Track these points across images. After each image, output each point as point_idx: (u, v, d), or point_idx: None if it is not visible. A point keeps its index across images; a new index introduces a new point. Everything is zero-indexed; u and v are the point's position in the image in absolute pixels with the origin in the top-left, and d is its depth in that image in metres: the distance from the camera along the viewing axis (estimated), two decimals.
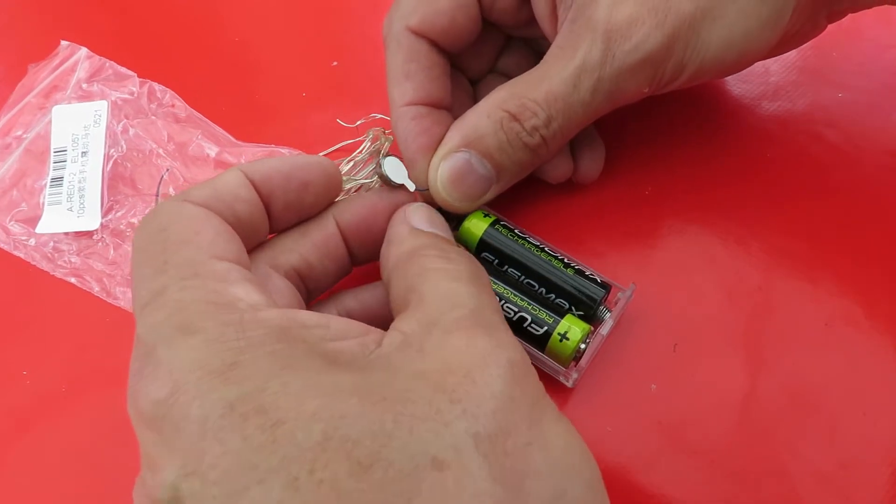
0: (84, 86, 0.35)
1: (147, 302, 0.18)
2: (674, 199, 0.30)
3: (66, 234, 0.32)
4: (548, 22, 0.26)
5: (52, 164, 0.33)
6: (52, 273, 0.31)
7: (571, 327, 0.25)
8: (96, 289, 0.30)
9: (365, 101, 0.34)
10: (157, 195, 0.32)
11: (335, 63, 0.36)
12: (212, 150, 0.33)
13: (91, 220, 0.31)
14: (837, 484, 0.24)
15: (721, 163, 0.31)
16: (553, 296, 0.26)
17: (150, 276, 0.18)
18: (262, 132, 0.33)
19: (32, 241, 0.32)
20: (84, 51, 0.36)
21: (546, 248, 0.27)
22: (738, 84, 0.33)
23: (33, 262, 0.31)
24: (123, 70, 0.35)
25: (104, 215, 0.32)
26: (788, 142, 0.31)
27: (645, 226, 0.30)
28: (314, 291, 0.25)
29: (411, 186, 0.25)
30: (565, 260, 0.27)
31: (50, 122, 0.34)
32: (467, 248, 0.27)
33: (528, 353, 0.24)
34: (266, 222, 0.23)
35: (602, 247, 0.29)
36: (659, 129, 0.32)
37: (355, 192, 0.27)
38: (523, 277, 0.27)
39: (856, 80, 0.33)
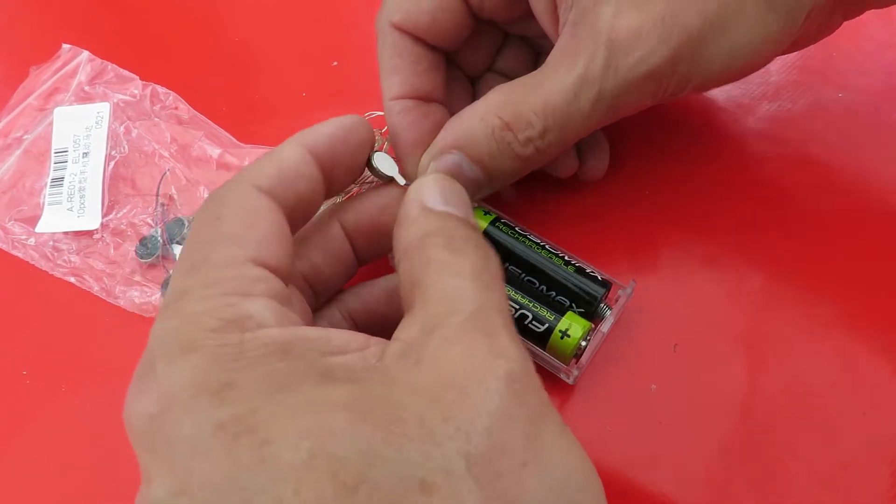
0: (86, 88, 0.35)
1: (169, 303, 0.18)
2: (674, 199, 0.30)
3: (66, 233, 0.32)
4: (548, 21, 0.26)
5: (52, 165, 0.33)
6: (50, 272, 0.31)
7: (572, 324, 0.25)
8: (96, 288, 0.30)
9: (365, 101, 0.34)
10: (157, 195, 0.32)
11: (335, 63, 0.36)
12: (214, 152, 0.33)
13: (91, 219, 0.31)
14: (837, 484, 0.24)
15: (721, 163, 0.31)
16: (554, 293, 0.26)
17: (183, 273, 0.18)
18: (262, 132, 0.33)
19: (32, 241, 0.32)
20: (86, 54, 0.36)
21: (547, 246, 0.27)
22: (739, 84, 0.33)
23: (32, 262, 0.31)
24: (125, 73, 0.36)
25: (104, 215, 0.32)
26: (788, 142, 0.31)
27: (645, 225, 0.30)
28: (321, 295, 0.24)
29: (401, 181, 0.25)
30: (566, 257, 0.26)
31: (51, 123, 0.34)
32: None
33: (529, 350, 0.24)
34: (322, 195, 0.22)
35: (602, 246, 0.29)
36: (659, 129, 0.32)
37: (355, 192, 0.27)
38: (524, 275, 0.27)
39: (856, 80, 0.33)
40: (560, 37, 0.25)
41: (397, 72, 0.27)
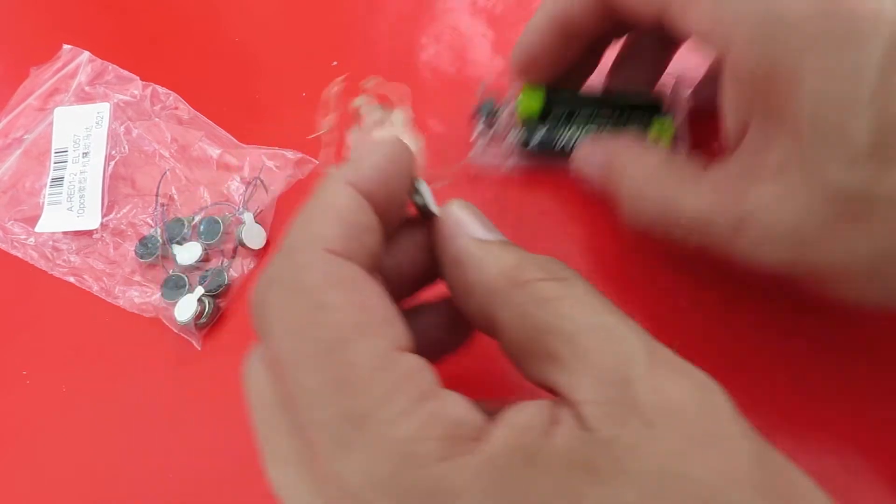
0: (86, 88, 0.35)
1: (342, 439, 0.14)
2: None
3: (66, 233, 0.32)
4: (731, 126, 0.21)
5: (52, 165, 0.33)
6: (50, 272, 0.31)
7: (662, 124, 0.29)
8: (95, 288, 0.30)
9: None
10: (157, 195, 0.32)
11: (335, 63, 0.36)
12: (214, 152, 0.33)
13: (91, 219, 0.31)
14: (837, 484, 0.24)
15: None
16: (624, 116, 0.29)
17: (331, 393, 0.14)
18: (262, 132, 0.33)
19: (32, 241, 0.32)
20: (86, 54, 0.36)
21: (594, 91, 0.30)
22: None
23: (31, 262, 0.31)
24: (126, 73, 0.36)
25: (104, 215, 0.32)
26: None
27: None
28: None
29: (438, 212, 0.20)
30: (612, 90, 0.30)
31: (51, 123, 0.34)
32: (531, 119, 0.29)
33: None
34: (381, 245, 0.18)
35: (602, 245, 0.29)
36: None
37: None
38: (595, 112, 0.29)
39: None
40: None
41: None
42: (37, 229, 0.32)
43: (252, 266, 0.30)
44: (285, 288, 0.15)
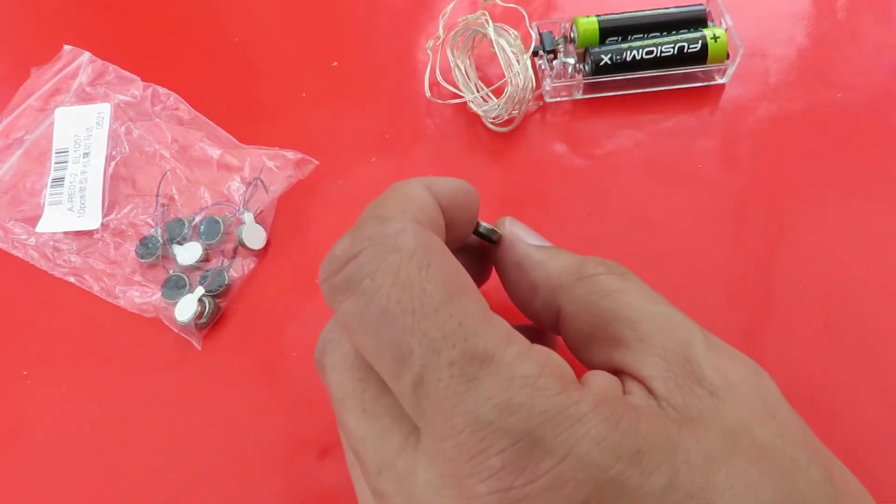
0: (87, 89, 0.35)
1: (470, 376, 0.15)
2: (673, 197, 0.30)
3: (66, 233, 0.32)
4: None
5: (53, 165, 0.33)
6: (50, 272, 0.31)
7: (713, 30, 0.32)
8: (96, 288, 0.30)
9: (365, 102, 0.34)
10: (157, 195, 0.32)
11: (335, 63, 0.36)
12: (215, 153, 0.33)
13: (92, 219, 0.32)
14: None
15: (721, 162, 0.31)
16: (674, 31, 0.33)
17: (454, 336, 0.15)
18: (262, 133, 0.33)
19: (32, 241, 0.32)
20: (87, 55, 0.36)
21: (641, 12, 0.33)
22: (738, 84, 0.33)
23: (32, 262, 0.31)
24: (126, 73, 0.36)
25: (105, 215, 0.32)
26: (788, 142, 0.31)
27: (644, 225, 0.30)
28: None
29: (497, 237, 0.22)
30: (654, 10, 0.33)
31: (52, 123, 0.34)
32: (590, 42, 0.33)
33: (688, 75, 0.32)
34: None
35: (603, 245, 0.29)
36: (659, 129, 0.32)
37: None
38: (646, 34, 0.33)
39: (856, 80, 0.33)
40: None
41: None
42: (37, 229, 0.32)
43: (252, 266, 0.30)
44: (386, 248, 0.16)
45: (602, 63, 0.32)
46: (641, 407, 0.16)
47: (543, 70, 0.33)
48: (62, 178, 0.33)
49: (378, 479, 0.16)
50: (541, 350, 0.16)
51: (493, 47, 0.32)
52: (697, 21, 0.33)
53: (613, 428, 0.14)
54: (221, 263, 0.30)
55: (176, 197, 0.32)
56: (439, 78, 0.33)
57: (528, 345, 0.15)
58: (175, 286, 0.30)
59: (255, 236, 0.30)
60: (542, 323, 0.21)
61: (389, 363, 0.15)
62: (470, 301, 0.16)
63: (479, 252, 0.22)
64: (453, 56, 0.33)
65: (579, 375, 0.17)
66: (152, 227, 0.32)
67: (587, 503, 0.13)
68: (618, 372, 0.18)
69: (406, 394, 0.15)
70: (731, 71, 0.33)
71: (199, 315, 0.29)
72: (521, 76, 0.31)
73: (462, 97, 0.32)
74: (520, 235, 0.21)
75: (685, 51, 0.32)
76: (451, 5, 0.33)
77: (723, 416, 0.16)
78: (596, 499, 0.13)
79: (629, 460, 0.14)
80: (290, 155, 0.32)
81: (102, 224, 0.32)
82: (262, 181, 0.32)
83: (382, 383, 0.17)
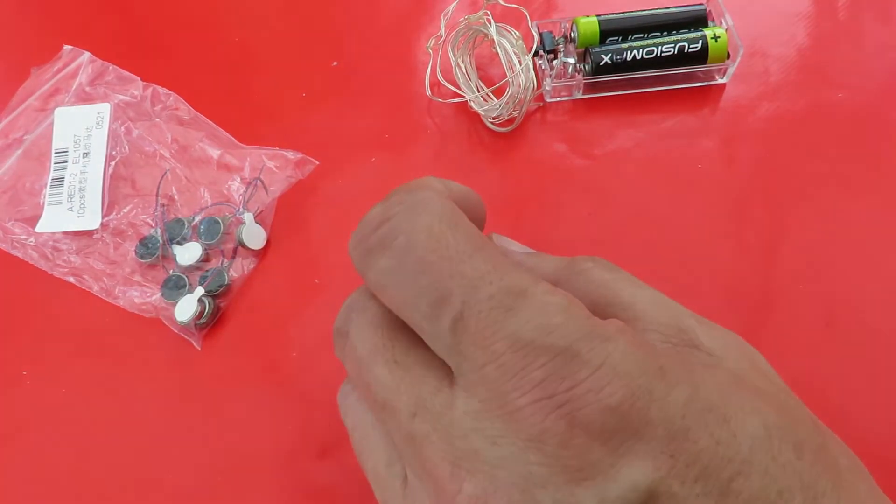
0: (87, 89, 0.35)
1: (509, 306, 0.16)
2: (673, 198, 0.30)
3: (66, 233, 0.32)
4: None
5: (52, 165, 0.33)
6: (50, 272, 0.31)
7: (714, 29, 0.32)
8: (96, 288, 0.30)
9: (365, 102, 0.34)
10: (157, 195, 0.32)
11: (335, 63, 0.36)
12: (214, 153, 0.33)
13: (91, 220, 0.31)
14: None
15: (721, 162, 0.31)
16: (674, 31, 0.33)
17: (492, 273, 0.16)
18: (262, 133, 0.33)
19: (32, 241, 0.32)
20: (87, 55, 0.36)
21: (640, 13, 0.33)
22: (738, 84, 0.33)
23: (31, 262, 0.31)
24: (126, 73, 0.36)
25: (105, 215, 0.32)
26: (788, 142, 0.31)
27: (645, 224, 0.30)
28: None
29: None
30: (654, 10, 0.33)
31: (51, 123, 0.34)
32: (590, 42, 0.33)
33: (689, 75, 0.33)
34: None
35: (603, 245, 0.29)
36: (659, 129, 0.32)
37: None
38: (647, 34, 0.33)
39: (856, 80, 0.33)
40: None
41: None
42: (37, 229, 0.32)
43: (252, 266, 0.30)
44: (417, 211, 0.17)
45: (602, 63, 0.32)
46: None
47: (544, 70, 0.33)
48: (62, 178, 0.33)
49: (413, 422, 0.17)
50: (563, 290, 0.17)
51: (495, 48, 0.32)
52: (698, 21, 0.33)
53: (637, 348, 0.16)
54: (221, 263, 0.30)
55: (176, 197, 0.32)
56: (440, 77, 0.33)
57: (552, 285, 0.17)
58: (175, 286, 0.30)
59: (254, 236, 0.30)
60: None
61: (427, 308, 0.17)
62: (496, 252, 0.17)
63: None
64: (454, 55, 0.33)
65: None
66: (152, 227, 0.32)
67: (621, 406, 0.15)
68: None
69: (444, 334, 0.16)
70: (731, 71, 0.33)
71: (199, 315, 0.29)
72: (522, 77, 0.31)
73: (463, 96, 0.32)
74: (508, 246, 0.22)
75: (685, 51, 0.32)
76: (454, 4, 0.33)
77: (723, 370, 0.17)
78: (629, 402, 0.15)
79: (654, 374, 0.15)
80: (290, 155, 0.32)
81: (102, 224, 0.32)
82: (261, 181, 0.32)
83: (411, 340, 0.18)
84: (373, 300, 0.19)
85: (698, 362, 0.17)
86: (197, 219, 0.31)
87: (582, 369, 0.15)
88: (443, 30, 0.33)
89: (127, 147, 0.34)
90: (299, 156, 0.32)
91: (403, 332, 0.18)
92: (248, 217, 0.31)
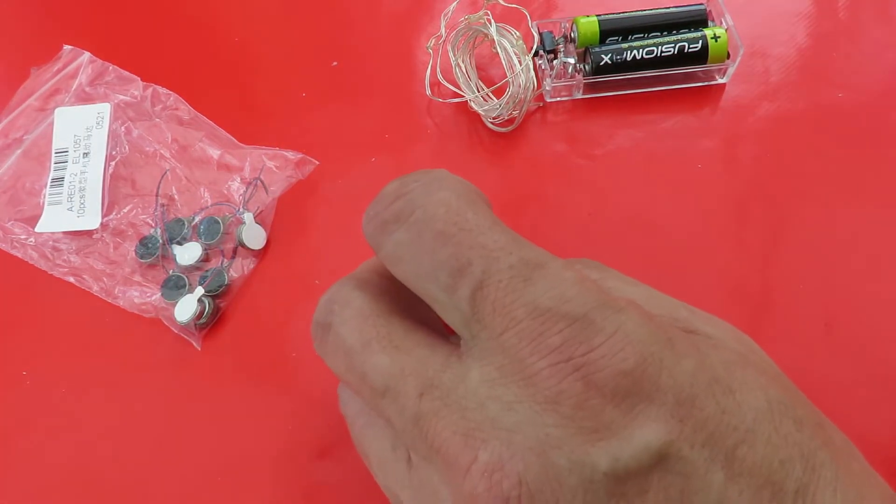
0: (87, 89, 0.35)
1: (527, 276, 0.17)
2: (673, 198, 0.30)
3: (66, 233, 0.32)
4: None
5: (52, 165, 0.33)
6: (50, 272, 0.31)
7: (714, 29, 0.32)
8: (95, 288, 0.30)
9: (365, 102, 0.34)
10: (157, 195, 0.32)
11: (335, 63, 0.36)
12: (215, 153, 0.33)
13: (91, 220, 0.31)
14: None
15: (721, 162, 0.31)
16: (674, 31, 0.33)
17: (511, 245, 0.17)
18: (262, 133, 0.33)
19: (32, 241, 0.32)
20: (87, 55, 0.36)
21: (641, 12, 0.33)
22: (739, 84, 0.33)
23: (31, 262, 0.31)
24: (126, 73, 0.36)
25: (105, 215, 0.32)
26: (788, 142, 0.31)
27: (645, 225, 0.30)
28: None
29: None
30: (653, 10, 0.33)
31: (51, 123, 0.34)
32: (590, 42, 0.33)
33: (689, 75, 0.32)
34: None
35: (603, 245, 0.29)
36: (659, 129, 0.32)
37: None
38: (647, 34, 0.33)
39: (856, 80, 0.33)
40: None
41: None
42: (37, 229, 0.32)
43: (252, 266, 0.30)
44: (434, 187, 0.18)
45: (602, 63, 0.32)
46: None
47: (544, 70, 0.33)
48: (62, 178, 0.33)
49: (420, 402, 0.17)
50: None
51: (496, 48, 0.32)
52: (698, 21, 0.33)
53: (648, 319, 0.16)
54: (221, 263, 0.30)
55: (176, 197, 0.32)
56: (440, 77, 0.33)
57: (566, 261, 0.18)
58: (175, 286, 0.30)
59: (254, 236, 0.30)
60: None
61: (447, 278, 0.17)
62: (510, 229, 0.18)
63: None
64: (454, 55, 0.33)
65: None
66: (152, 227, 0.32)
67: (634, 371, 0.15)
68: None
69: (462, 304, 0.17)
70: (731, 71, 0.33)
71: (199, 315, 0.29)
72: (522, 77, 0.31)
73: (463, 96, 0.32)
74: None
75: (685, 51, 0.32)
76: (454, 4, 0.33)
77: (727, 346, 0.18)
78: (641, 368, 0.15)
79: (664, 344, 0.16)
80: (290, 155, 0.32)
81: (102, 224, 0.32)
82: (262, 181, 0.32)
83: (408, 325, 0.18)
84: (357, 291, 0.19)
85: (701, 342, 0.18)
86: (197, 219, 0.31)
87: (597, 335, 0.16)
88: (443, 30, 0.33)
89: (127, 147, 0.34)
90: (299, 156, 0.32)
91: (396, 317, 0.19)
92: (248, 217, 0.31)
